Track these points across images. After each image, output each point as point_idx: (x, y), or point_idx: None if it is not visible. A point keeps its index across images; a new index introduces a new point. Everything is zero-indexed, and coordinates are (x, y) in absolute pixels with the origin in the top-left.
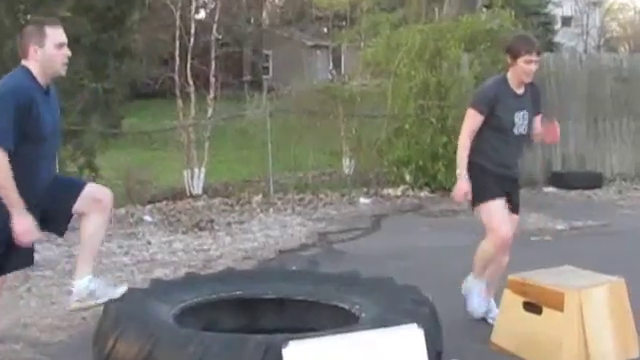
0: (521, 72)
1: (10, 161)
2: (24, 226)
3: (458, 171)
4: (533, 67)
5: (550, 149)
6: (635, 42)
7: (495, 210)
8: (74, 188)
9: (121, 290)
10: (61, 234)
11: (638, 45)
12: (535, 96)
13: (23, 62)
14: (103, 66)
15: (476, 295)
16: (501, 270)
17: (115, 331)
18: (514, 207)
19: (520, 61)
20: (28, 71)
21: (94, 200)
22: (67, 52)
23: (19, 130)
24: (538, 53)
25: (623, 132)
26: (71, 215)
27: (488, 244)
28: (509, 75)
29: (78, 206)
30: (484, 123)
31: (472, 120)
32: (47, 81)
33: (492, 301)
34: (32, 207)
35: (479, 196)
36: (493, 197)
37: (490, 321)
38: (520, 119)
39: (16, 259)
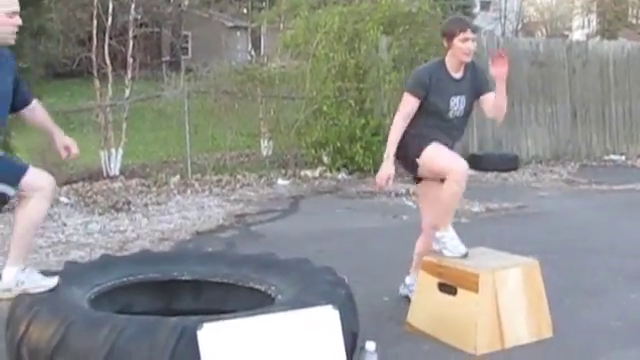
0: (459, 52)
1: None
2: None
3: (386, 153)
4: (471, 45)
5: (467, 132)
6: (552, 27)
7: (438, 151)
8: (15, 173)
9: (53, 282)
10: None
11: (554, 30)
12: (478, 77)
13: None
14: (19, 45)
15: (450, 239)
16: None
17: (28, 315)
18: None
19: (457, 41)
20: None
21: (35, 188)
22: (18, 21)
23: None
24: (473, 31)
25: (539, 116)
26: (9, 198)
27: (452, 186)
28: (447, 59)
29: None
30: (419, 107)
31: (408, 104)
32: None
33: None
34: None
35: (419, 149)
36: (432, 142)
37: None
38: (456, 103)
39: None
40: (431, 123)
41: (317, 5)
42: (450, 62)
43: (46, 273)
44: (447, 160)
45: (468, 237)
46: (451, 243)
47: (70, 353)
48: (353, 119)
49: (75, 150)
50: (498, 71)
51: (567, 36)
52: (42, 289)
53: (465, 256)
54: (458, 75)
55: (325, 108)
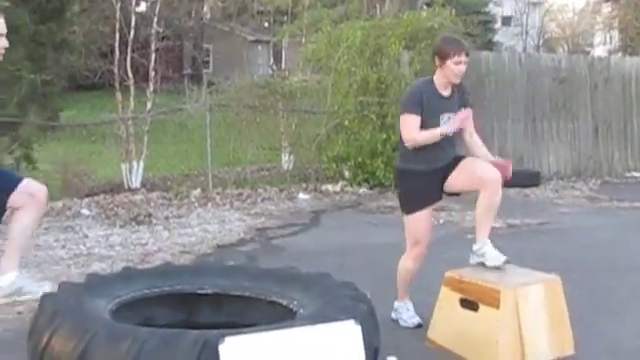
0: (450, 74)
1: None
2: None
3: (438, 132)
4: (462, 68)
5: (488, 147)
6: (573, 43)
7: (416, 226)
8: (11, 182)
9: (46, 287)
10: None
11: (576, 46)
12: (462, 96)
13: None
14: (42, 57)
15: (405, 313)
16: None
17: (50, 326)
18: (458, 159)
19: (450, 62)
20: None
21: (29, 195)
22: (4, 43)
23: None
24: (467, 54)
25: (560, 132)
26: (5, 209)
27: (407, 261)
28: (436, 77)
29: (12, 200)
30: None
31: (411, 123)
32: None
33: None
34: None
35: (407, 208)
36: (418, 208)
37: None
38: (446, 121)
39: None
40: (424, 146)
41: (339, 20)
42: (439, 81)
43: (68, 285)
44: (414, 240)
45: None
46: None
47: None
48: (374, 134)
49: None
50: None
51: (589, 52)
52: (36, 294)
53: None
54: (446, 93)
55: (347, 123)
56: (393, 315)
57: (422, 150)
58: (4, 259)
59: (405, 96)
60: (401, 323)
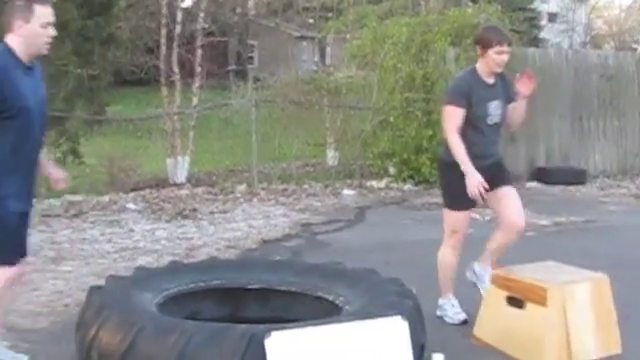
0: (492, 63)
1: None
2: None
3: (463, 167)
4: (505, 57)
5: (534, 145)
6: (620, 40)
7: (456, 216)
8: None
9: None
10: None
11: (623, 43)
12: (506, 85)
13: (7, 37)
14: (89, 52)
15: (450, 309)
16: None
17: (98, 319)
18: (503, 180)
19: (491, 52)
20: (9, 48)
21: None
22: (52, 32)
23: None
24: (509, 44)
25: (607, 130)
26: None
27: (445, 250)
28: (478, 66)
29: None
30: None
31: (454, 116)
32: (28, 58)
33: (489, 269)
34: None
35: (448, 202)
36: (459, 208)
37: (482, 291)
38: (493, 109)
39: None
40: (471, 136)
41: (384, 16)
42: (482, 69)
43: (115, 278)
44: (452, 226)
45: (535, 250)
46: (452, 310)
47: (139, 358)
48: (420, 130)
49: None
50: (524, 89)
51: (636, 49)
52: None
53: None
54: (491, 81)
55: (392, 119)
56: (438, 312)
57: (466, 145)
58: None
59: (450, 87)
60: (446, 320)
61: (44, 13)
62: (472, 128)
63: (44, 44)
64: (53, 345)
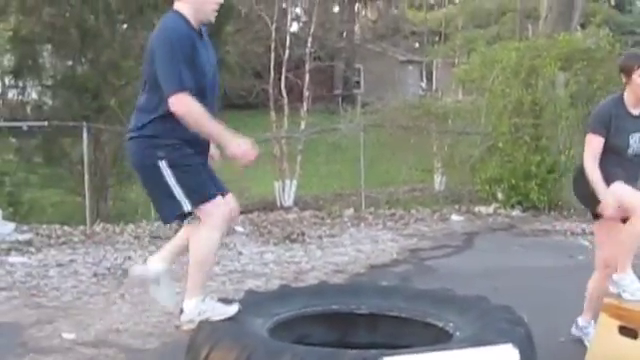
0: (638, 88)
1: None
2: (243, 147)
3: (598, 193)
4: None
5: None
6: None
7: (625, 188)
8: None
9: (233, 309)
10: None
11: None
12: None
13: (175, 5)
14: None
15: (630, 282)
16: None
17: (209, 342)
18: None
19: (635, 76)
20: (181, 14)
21: (211, 213)
22: None
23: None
24: None
25: None
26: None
27: (636, 225)
28: (625, 94)
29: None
30: None
31: (593, 144)
32: (197, 25)
33: (592, 323)
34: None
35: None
36: (615, 180)
37: (587, 343)
38: (636, 141)
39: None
40: (612, 162)
41: (492, 40)
42: (629, 98)
43: (224, 300)
44: (635, 197)
45: None
46: (631, 286)
47: None
48: (528, 156)
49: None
50: None
51: None
52: (224, 316)
53: None
54: (637, 111)
55: (500, 144)
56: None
57: (604, 175)
58: (188, 284)
59: (593, 114)
60: (624, 296)
61: None
62: (612, 158)
63: (212, 11)
64: None
